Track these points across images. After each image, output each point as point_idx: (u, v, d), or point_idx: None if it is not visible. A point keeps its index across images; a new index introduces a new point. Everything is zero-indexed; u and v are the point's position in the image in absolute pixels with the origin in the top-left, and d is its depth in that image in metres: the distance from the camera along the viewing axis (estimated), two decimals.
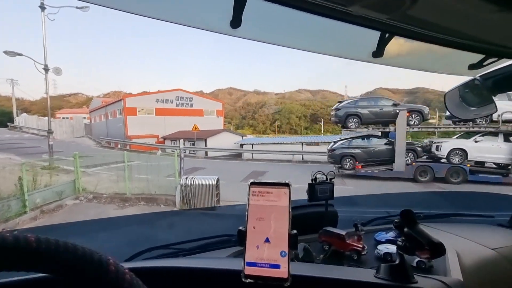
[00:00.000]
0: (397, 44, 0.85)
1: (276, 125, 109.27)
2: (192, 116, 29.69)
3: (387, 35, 0.80)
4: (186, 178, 8.70)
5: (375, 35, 0.80)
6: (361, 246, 0.93)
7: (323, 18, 0.67)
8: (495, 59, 0.96)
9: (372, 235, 1.11)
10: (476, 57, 0.97)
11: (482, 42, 0.83)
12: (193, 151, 21.14)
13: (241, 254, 0.57)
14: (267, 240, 0.54)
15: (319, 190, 1.05)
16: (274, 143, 21.28)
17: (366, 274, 0.68)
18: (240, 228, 0.56)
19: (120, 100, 28.21)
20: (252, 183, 0.59)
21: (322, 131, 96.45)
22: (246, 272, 0.54)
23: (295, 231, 0.55)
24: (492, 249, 1.00)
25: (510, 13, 0.63)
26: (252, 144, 22.34)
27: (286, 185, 0.57)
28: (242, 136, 25.64)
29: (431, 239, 0.63)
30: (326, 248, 0.97)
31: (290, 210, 0.55)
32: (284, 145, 21.55)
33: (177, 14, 0.68)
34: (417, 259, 0.83)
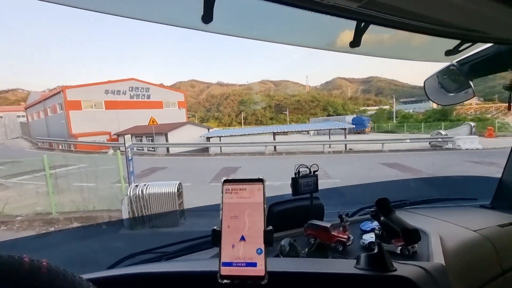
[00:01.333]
0: (374, 34, 0.84)
1: (242, 116, 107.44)
2: (150, 108, 26.16)
3: (362, 24, 0.80)
4: (137, 186, 6.18)
5: (351, 24, 0.80)
6: (346, 237, 0.91)
7: (298, 10, 0.67)
8: (470, 44, 1.01)
9: (358, 225, 1.09)
10: (452, 43, 1.01)
11: (457, 28, 0.86)
12: (152, 148, 18.20)
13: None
14: (242, 238, 0.53)
15: (302, 183, 1.03)
16: (243, 135, 19.21)
17: (347, 265, 0.68)
18: (215, 227, 0.54)
19: (59, 92, 23.62)
20: (225, 181, 0.57)
21: (288, 121, 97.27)
22: (222, 273, 0.52)
23: (270, 227, 0.53)
24: (474, 230, 1.02)
25: (488, 1, 0.66)
26: (220, 137, 20.05)
27: (260, 180, 0.55)
28: (208, 129, 23.04)
29: (405, 226, 0.65)
30: (312, 242, 0.95)
31: (265, 206, 0.54)
32: (254, 135, 19.64)
33: (146, 11, 0.66)
34: (400, 246, 0.83)
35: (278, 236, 0.95)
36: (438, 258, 0.76)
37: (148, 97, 27.44)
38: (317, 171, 1.06)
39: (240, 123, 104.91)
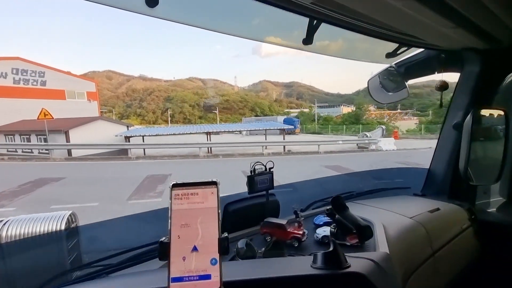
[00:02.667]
0: (324, 32, 0.87)
1: (168, 114, 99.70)
2: (46, 98, 20.05)
3: (315, 21, 0.83)
4: None
5: (304, 22, 0.82)
6: (301, 232, 0.91)
7: (252, 1, 0.67)
8: (406, 48, 1.17)
9: (312, 219, 1.10)
10: (392, 47, 1.16)
11: (396, 32, 0.97)
12: (46, 150, 13.52)
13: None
14: (194, 249, 0.48)
15: (258, 181, 1.02)
16: (172, 134, 16.33)
17: (304, 264, 0.68)
18: (162, 239, 0.48)
19: None
20: (174, 185, 0.50)
21: (218, 121, 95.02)
22: None
23: (225, 234, 0.49)
24: (410, 217, 1.09)
25: (420, 6, 0.74)
26: (143, 136, 16.63)
27: (213, 183, 0.51)
28: (127, 127, 18.90)
29: (358, 224, 0.67)
30: (268, 240, 0.93)
31: (219, 211, 0.50)
32: (185, 135, 16.99)
33: None
34: None
35: (235, 237, 0.93)
36: (383, 247, 0.80)
37: (43, 83, 20.97)
38: (272, 168, 1.05)
39: (166, 121, 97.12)
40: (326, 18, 0.80)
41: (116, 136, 14.61)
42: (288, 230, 0.90)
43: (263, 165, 1.04)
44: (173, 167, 11.41)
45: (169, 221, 0.48)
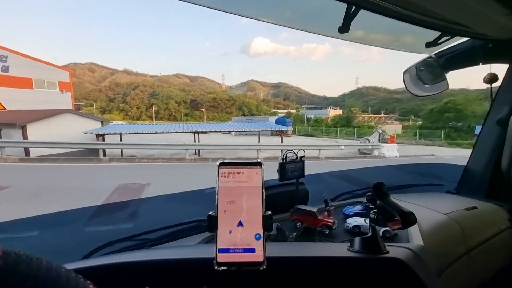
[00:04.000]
0: (362, 20, 0.82)
1: (153, 110, 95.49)
2: (7, 87, 17.18)
3: (353, 8, 0.78)
4: None
5: (341, 8, 0.78)
6: (331, 221, 0.92)
7: None
8: (449, 37, 1.07)
9: (341, 209, 1.11)
10: (432, 35, 1.06)
11: (439, 19, 0.90)
12: None
13: (212, 240, 0.54)
14: (240, 224, 0.50)
15: (289, 169, 1.01)
16: (154, 133, 14.09)
17: (339, 248, 0.68)
18: (210, 213, 0.51)
19: None
20: (221, 164, 0.52)
21: (205, 119, 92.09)
22: (219, 260, 0.49)
23: (269, 212, 0.51)
24: (444, 214, 1.07)
25: None
26: (120, 134, 14.26)
27: (258, 164, 0.52)
28: (102, 122, 16.23)
29: (402, 210, 0.66)
30: (298, 226, 0.93)
31: (263, 190, 0.51)
32: (170, 134, 14.83)
33: None
34: (383, 229, 0.84)
35: None
36: (417, 240, 0.79)
37: (5, 69, 18.01)
38: (303, 157, 1.05)
39: (151, 117, 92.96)
40: (365, 5, 0.76)
41: (86, 133, 12.11)
42: (319, 217, 0.90)
43: (294, 153, 1.04)
44: (154, 172, 9.35)
45: (216, 196, 0.50)
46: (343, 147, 14.96)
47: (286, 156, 1.02)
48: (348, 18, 0.80)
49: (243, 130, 14.98)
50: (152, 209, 1.39)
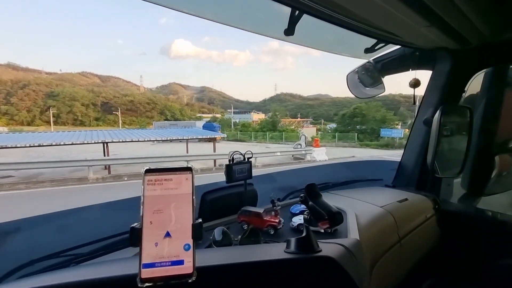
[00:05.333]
0: (306, 24, 0.85)
1: (51, 113, 77.88)
2: None
3: (297, 12, 0.82)
4: None
5: (287, 12, 0.81)
6: (277, 221, 0.91)
7: None
8: (384, 44, 1.21)
9: (289, 208, 1.12)
10: (370, 42, 1.18)
11: (376, 28, 1.00)
12: None
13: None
14: (167, 235, 0.47)
15: (236, 170, 1.00)
16: (40, 146, 10.08)
17: (278, 250, 0.68)
18: (133, 225, 0.47)
19: None
20: (147, 171, 0.48)
21: (121, 124, 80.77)
22: (143, 276, 0.46)
23: (199, 220, 0.49)
24: (380, 206, 1.12)
25: (399, 2, 0.77)
26: None
27: (188, 169, 0.49)
28: None
29: (330, 210, 0.68)
30: (245, 228, 0.92)
31: (194, 197, 0.49)
32: (67, 145, 11.06)
33: None
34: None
35: (212, 225, 0.92)
36: (353, 234, 0.82)
37: None
38: (251, 157, 1.05)
39: (48, 122, 75.60)
40: (308, 9, 0.80)
41: None
42: (265, 218, 0.90)
43: (241, 154, 1.03)
44: (31, 204, 6.35)
45: (141, 207, 0.47)
46: (278, 153, 14.39)
47: (233, 157, 1.01)
48: (293, 21, 0.84)
49: (168, 138, 12.49)
50: (85, 220, 1.21)
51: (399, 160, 1.62)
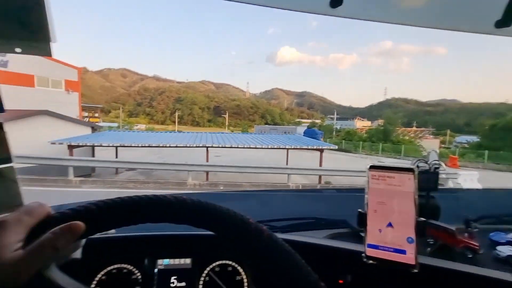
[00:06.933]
0: None
1: (176, 115, 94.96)
2: (4, 83, 15.06)
3: None
4: None
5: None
6: (477, 244, 0.80)
7: None
8: None
9: (484, 234, 0.96)
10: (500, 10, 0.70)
11: None
12: None
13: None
14: (389, 225, 0.51)
15: (422, 179, 0.84)
16: (148, 146, 10.45)
17: (499, 274, 0.59)
18: (360, 210, 0.54)
19: None
20: (372, 167, 0.54)
21: (227, 126, 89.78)
22: (368, 253, 0.52)
23: (423, 218, 0.51)
24: None
25: None
26: (117, 147, 11.00)
27: (411, 170, 0.52)
28: (93, 128, 12.86)
29: None
30: (431, 242, 0.86)
31: (416, 196, 0.51)
32: (170, 148, 11.26)
33: None
34: None
35: None
36: None
37: (4, 64, 16.01)
38: (438, 168, 0.95)
39: (174, 122, 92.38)
40: None
41: (54, 143, 8.96)
42: (459, 238, 0.81)
43: (426, 163, 0.96)
44: None
45: (366, 196, 0.53)
46: None
47: (417, 166, 0.94)
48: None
49: (269, 147, 11.01)
50: (276, 202, 1.43)
51: None
